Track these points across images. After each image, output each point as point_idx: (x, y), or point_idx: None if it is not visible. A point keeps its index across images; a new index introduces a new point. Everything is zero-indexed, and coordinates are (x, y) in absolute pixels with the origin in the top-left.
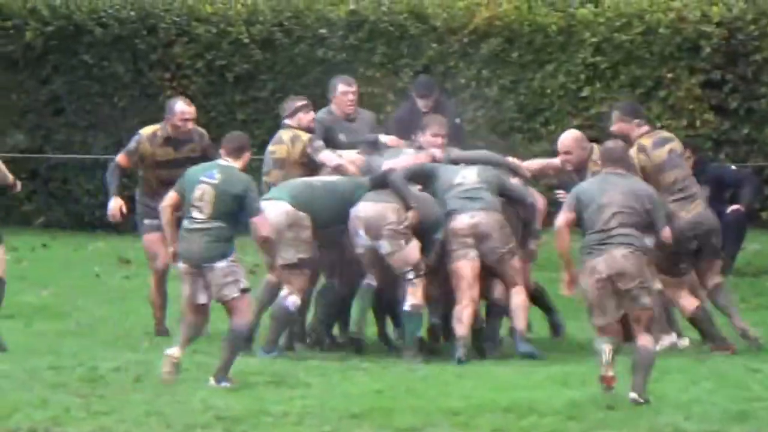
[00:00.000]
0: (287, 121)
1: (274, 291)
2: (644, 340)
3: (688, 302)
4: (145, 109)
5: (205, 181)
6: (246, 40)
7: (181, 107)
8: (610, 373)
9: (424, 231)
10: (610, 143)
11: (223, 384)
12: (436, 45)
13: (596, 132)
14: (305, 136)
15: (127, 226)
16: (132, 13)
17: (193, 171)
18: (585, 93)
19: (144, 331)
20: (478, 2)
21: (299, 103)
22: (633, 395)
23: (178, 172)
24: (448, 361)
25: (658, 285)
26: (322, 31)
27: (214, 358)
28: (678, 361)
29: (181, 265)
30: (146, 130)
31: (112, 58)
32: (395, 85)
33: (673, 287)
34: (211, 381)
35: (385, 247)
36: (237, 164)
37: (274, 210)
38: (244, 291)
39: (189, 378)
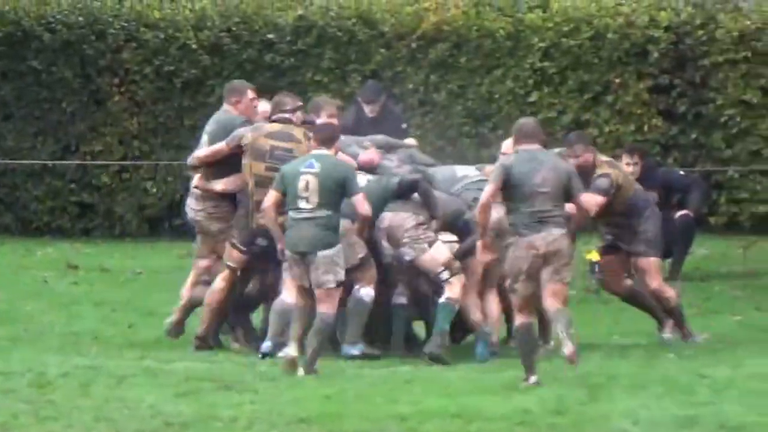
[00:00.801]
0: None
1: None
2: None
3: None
4: (93, 115)
5: (307, 172)
6: (194, 46)
7: (263, 107)
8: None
9: (454, 231)
10: (522, 119)
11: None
12: (384, 50)
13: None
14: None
15: (75, 231)
16: (80, 19)
17: (290, 165)
18: (533, 98)
19: (92, 336)
20: (426, 7)
21: (299, 102)
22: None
23: None
24: (394, 365)
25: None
26: (270, 36)
27: (163, 363)
28: (627, 366)
29: (288, 254)
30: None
31: (60, 64)
32: (343, 91)
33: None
34: (301, 371)
35: (408, 254)
36: (330, 152)
37: None
38: (339, 284)
39: (137, 383)
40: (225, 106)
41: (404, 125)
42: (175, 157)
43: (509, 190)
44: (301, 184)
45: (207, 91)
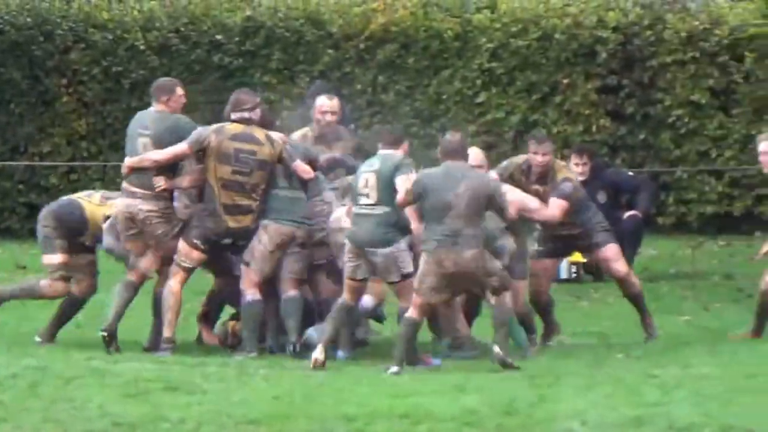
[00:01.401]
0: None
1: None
2: (498, 301)
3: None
4: (41, 116)
5: (367, 170)
6: (142, 47)
7: (320, 101)
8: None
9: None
10: (448, 136)
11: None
12: (332, 51)
13: (492, 138)
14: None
15: (24, 232)
16: (28, 20)
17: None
18: (481, 99)
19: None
20: (374, 8)
21: (257, 99)
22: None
23: None
24: (345, 366)
25: None
26: (219, 37)
27: (111, 363)
28: (575, 366)
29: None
30: (296, 133)
31: (8, 65)
32: (291, 91)
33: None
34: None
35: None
36: (398, 151)
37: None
38: (405, 276)
39: (85, 384)
40: (156, 107)
41: (352, 126)
42: (123, 159)
43: (423, 203)
44: (361, 182)
45: None
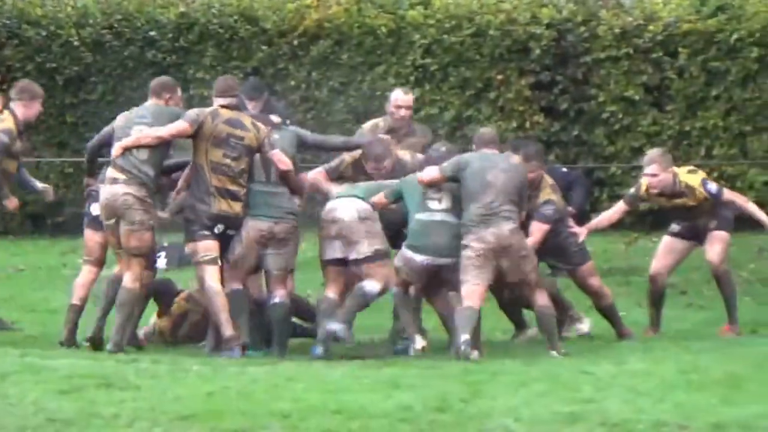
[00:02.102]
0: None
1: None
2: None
3: None
4: None
5: None
6: (76, 43)
7: (396, 95)
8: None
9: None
10: (483, 129)
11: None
12: (266, 47)
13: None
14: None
15: None
16: None
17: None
18: (415, 95)
19: None
20: (307, 4)
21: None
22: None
23: None
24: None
25: None
26: (152, 33)
27: (46, 359)
28: (509, 363)
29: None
30: (369, 123)
31: None
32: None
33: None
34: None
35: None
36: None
37: (346, 206)
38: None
39: (20, 380)
40: (155, 101)
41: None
42: (57, 155)
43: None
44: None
45: (89, 88)
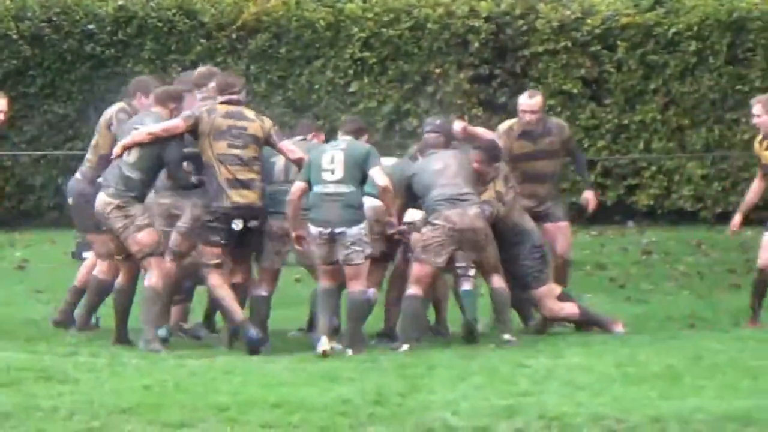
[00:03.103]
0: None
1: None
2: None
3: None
4: None
5: (334, 148)
6: (15, 36)
7: (521, 99)
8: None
9: None
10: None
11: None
12: (204, 41)
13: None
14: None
15: None
16: None
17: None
18: (353, 88)
19: None
20: None
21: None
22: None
23: (538, 164)
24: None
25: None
26: (91, 26)
27: None
28: (447, 357)
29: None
30: (504, 124)
31: None
32: (163, 81)
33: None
34: (349, 352)
35: None
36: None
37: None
38: (366, 258)
39: None
40: (160, 109)
41: None
42: None
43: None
44: (326, 158)
45: (28, 82)
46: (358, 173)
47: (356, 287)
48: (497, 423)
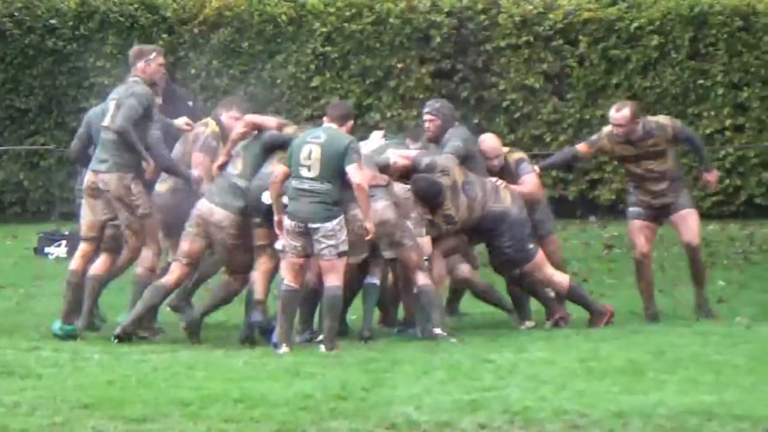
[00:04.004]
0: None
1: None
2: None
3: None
4: None
5: (312, 142)
6: None
7: (611, 113)
8: None
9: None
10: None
11: (335, 351)
12: (166, 35)
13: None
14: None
15: None
16: None
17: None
18: (315, 83)
19: None
20: None
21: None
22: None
23: (646, 164)
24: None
25: None
26: (53, 21)
27: None
28: (410, 352)
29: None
30: (606, 128)
31: None
32: (125, 76)
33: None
34: (321, 348)
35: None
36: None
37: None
38: (341, 254)
39: None
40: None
41: (190, 103)
42: None
43: None
44: (304, 152)
45: None
46: (336, 169)
47: (331, 282)
48: (460, 418)
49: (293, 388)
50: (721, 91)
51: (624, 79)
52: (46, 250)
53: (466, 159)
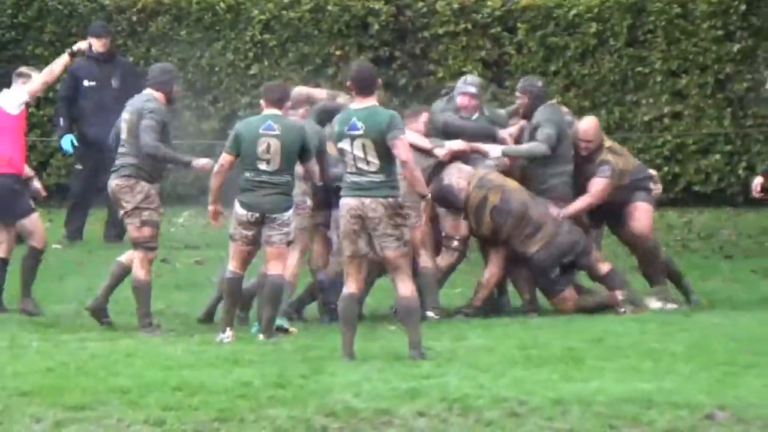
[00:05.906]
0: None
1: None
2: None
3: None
4: None
5: (268, 134)
6: None
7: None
8: None
9: None
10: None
11: (273, 339)
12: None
13: None
14: None
15: None
16: None
17: (246, 126)
18: (254, 71)
19: None
20: None
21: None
22: None
23: None
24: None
25: None
26: None
27: None
28: None
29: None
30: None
31: None
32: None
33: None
34: (261, 337)
35: None
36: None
37: None
38: (289, 243)
39: None
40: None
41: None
42: None
43: None
44: (261, 146)
45: None
46: (294, 160)
47: (275, 270)
48: (399, 405)
49: (232, 375)
50: (659, 78)
51: (562, 66)
52: None
53: (557, 143)
